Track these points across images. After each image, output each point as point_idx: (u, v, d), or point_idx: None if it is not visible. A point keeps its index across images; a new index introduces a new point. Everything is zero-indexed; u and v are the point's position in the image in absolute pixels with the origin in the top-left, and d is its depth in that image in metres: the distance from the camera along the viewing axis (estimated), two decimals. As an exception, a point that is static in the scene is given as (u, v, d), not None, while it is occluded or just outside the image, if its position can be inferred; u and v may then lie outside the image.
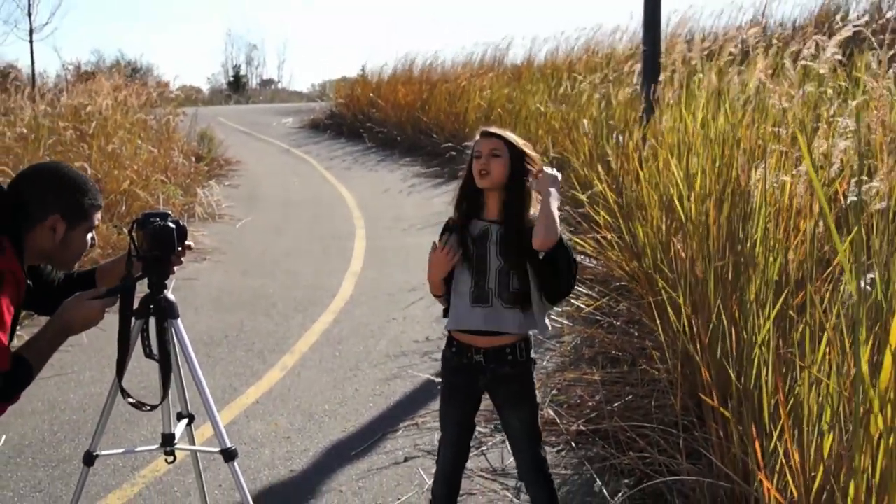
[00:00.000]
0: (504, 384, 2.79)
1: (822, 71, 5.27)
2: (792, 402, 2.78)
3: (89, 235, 2.40)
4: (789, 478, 2.61)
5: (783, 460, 2.68)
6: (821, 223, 3.62)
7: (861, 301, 2.37)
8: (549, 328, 2.81)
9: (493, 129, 2.77)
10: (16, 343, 2.29)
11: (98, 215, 2.41)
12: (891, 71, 4.59)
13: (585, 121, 9.25)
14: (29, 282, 2.30)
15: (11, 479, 3.83)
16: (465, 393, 2.87)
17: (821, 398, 2.61)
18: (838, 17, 8.04)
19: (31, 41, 19.24)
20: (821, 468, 2.53)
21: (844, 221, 4.01)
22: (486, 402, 2.95)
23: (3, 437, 4.24)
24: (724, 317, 3.60)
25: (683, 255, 4.54)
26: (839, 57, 5.52)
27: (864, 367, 2.25)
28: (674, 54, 8.35)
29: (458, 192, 2.83)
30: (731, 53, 7.32)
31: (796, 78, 5.15)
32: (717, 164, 4.72)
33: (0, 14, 27.12)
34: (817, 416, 2.61)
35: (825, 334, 2.71)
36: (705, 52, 7.64)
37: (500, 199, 2.73)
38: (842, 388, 2.53)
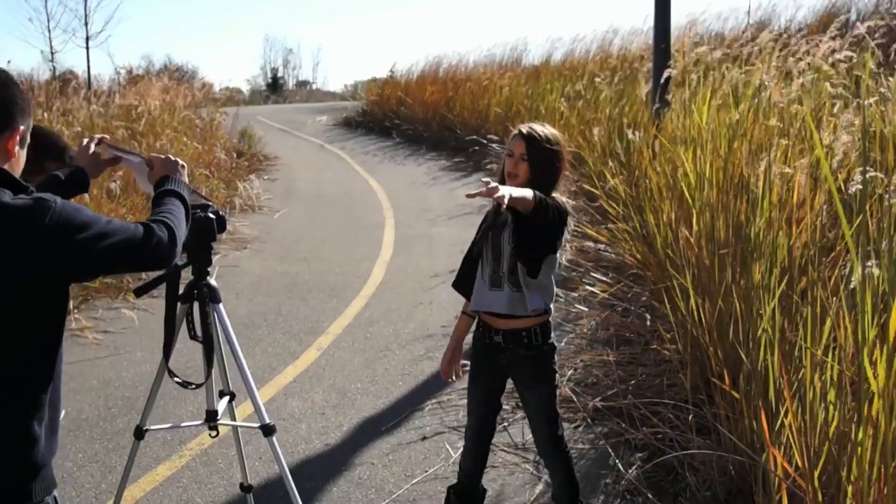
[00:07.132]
0: (522, 365, 2.76)
1: (825, 68, 5.17)
2: (796, 384, 2.73)
3: None
4: (795, 451, 2.57)
5: (790, 435, 2.63)
6: (824, 211, 3.55)
7: (865, 285, 2.32)
8: (544, 306, 2.68)
9: (525, 129, 2.65)
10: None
11: None
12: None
13: (596, 129, 9.05)
14: None
15: (70, 451, 3.87)
16: (490, 371, 2.84)
17: (824, 377, 2.56)
18: (840, 19, 7.89)
19: (87, 48, 19.48)
20: (826, 445, 2.48)
21: (847, 209, 3.93)
22: (508, 381, 2.92)
23: (63, 411, 4.27)
24: (732, 301, 3.55)
25: (692, 241, 4.49)
26: (840, 56, 5.42)
27: (865, 361, 2.20)
28: (683, 54, 8.25)
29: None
30: (737, 56, 7.20)
31: (805, 78, 5.06)
32: (725, 157, 4.65)
33: (60, 23, 27.51)
34: (821, 395, 2.56)
35: (828, 317, 2.66)
36: (714, 52, 7.53)
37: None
38: (844, 369, 2.48)
